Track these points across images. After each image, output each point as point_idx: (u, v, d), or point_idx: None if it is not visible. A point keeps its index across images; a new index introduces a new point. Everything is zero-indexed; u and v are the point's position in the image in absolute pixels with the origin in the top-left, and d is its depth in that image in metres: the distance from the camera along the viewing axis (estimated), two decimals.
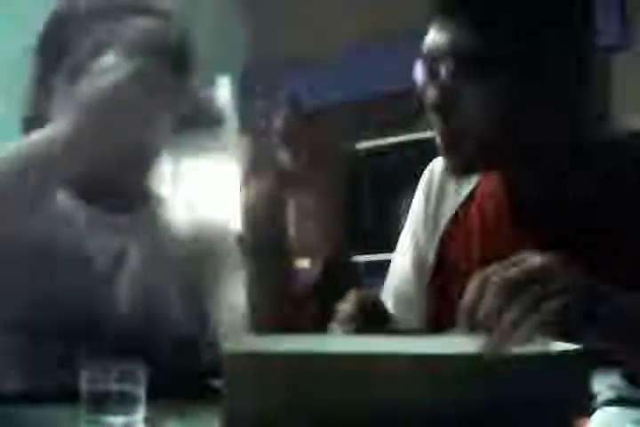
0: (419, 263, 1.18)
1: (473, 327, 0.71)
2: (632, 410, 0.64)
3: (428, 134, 4.04)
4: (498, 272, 0.73)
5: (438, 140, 1.02)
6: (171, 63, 1.15)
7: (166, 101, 1.17)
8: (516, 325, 0.69)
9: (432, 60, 1.00)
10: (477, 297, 0.72)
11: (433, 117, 1.00)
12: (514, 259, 0.75)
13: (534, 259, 0.74)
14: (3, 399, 0.92)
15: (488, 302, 0.71)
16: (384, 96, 4.44)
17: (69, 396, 0.72)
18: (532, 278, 0.72)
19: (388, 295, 1.21)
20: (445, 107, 0.98)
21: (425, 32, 1.03)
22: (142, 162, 1.19)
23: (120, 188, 1.19)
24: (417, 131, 4.25)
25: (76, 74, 1.12)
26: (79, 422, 0.69)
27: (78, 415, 0.70)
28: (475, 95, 0.97)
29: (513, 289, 0.71)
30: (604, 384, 0.73)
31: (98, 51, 1.10)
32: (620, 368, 0.77)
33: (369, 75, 4.52)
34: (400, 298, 1.19)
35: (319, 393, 0.52)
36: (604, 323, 0.75)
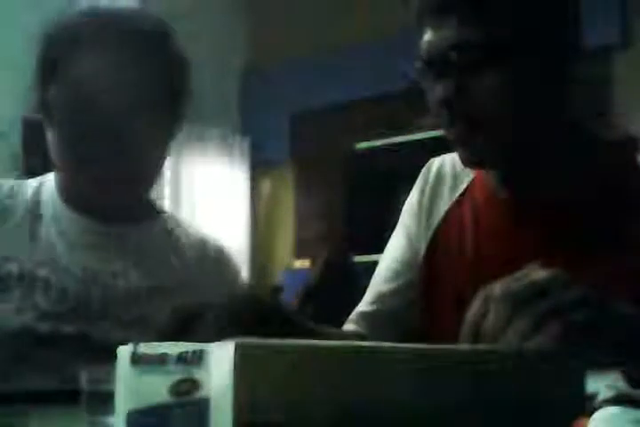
0: (409, 259, 1.18)
1: (476, 341, 0.72)
2: (632, 410, 0.64)
3: (427, 134, 4.04)
4: (502, 286, 0.73)
5: (448, 134, 1.02)
6: (164, 75, 1.16)
7: (163, 116, 1.18)
8: (520, 339, 0.69)
9: (435, 58, 1.00)
10: (482, 311, 0.72)
11: (442, 113, 1.00)
12: (518, 273, 0.75)
13: (539, 273, 0.74)
14: (3, 399, 0.93)
15: (492, 315, 0.71)
16: (384, 96, 4.45)
17: (69, 396, 0.72)
18: (536, 293, 0.72)
19: (375, 284, 1.20)
20: (456, 101, 0.98)
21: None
22: (142, 175, 1.19)
23: (120, 200, 1.19)
24: (416, 131, 4.26)
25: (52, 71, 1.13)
26: (79, 422, 0.70)
27: (78, 415, 0.70)
28: (484, 85, 0.97)
29: (517, 303, 0.71)
30: (603, 384, 0.73)
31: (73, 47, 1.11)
32: (619, 369, 0.77)
33: (369, 75, 4.52)
34: (386, 290, 1.18)
35: (330, 384, 0.52)
36: (606, 335, 0.75)
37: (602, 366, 0.73)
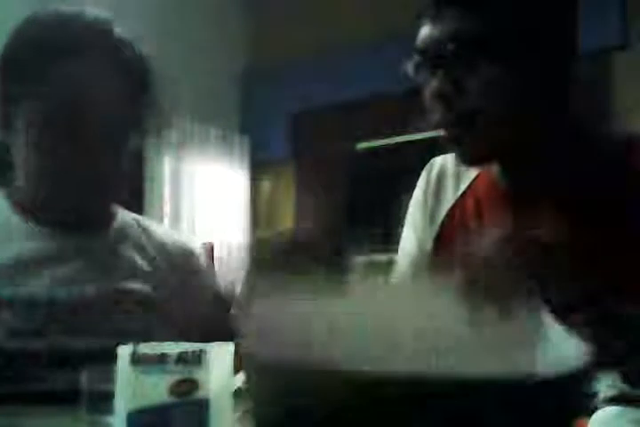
0: (418, 253, 1.18)
1: (470, 279, 0.72)
2: (632, 410, 0.64)
3: (427, 134, 4.03)
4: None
5: (443, 131, 1.02)
6: (132, 85, 1.16)
7: (127, 123, 1.18)
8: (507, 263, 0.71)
9: (432, 50, 1.00)
10: (475, 249, 0.75)
11: (437, 107, 1.00)
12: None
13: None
14: (3, 399, 0.92)
15: (485, 248, 0.74)
16: (384, 96, 4.44)
17: (69, 396, 0.72)
18: (528, 238, 0.75)
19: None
20: (451, 93, 0.98)
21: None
22: (104, 184, 1.19)
23: (82, 209, 1.19)
24: (416, 131, 4.26)
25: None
26: (79, 422, 0.70)
27: (78, 415, 0.70)
28: (478, 80, 0.97)
29: (510, 240, 0.74)
30: (603, 384, 0.73)
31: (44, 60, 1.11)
32: (619, 368, 0.77)
33: (369, 75, 4.52)
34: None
35: (345, 403, 0.52)
36: (606, 335, 0.76)
37: (602, 366, 0.73)
